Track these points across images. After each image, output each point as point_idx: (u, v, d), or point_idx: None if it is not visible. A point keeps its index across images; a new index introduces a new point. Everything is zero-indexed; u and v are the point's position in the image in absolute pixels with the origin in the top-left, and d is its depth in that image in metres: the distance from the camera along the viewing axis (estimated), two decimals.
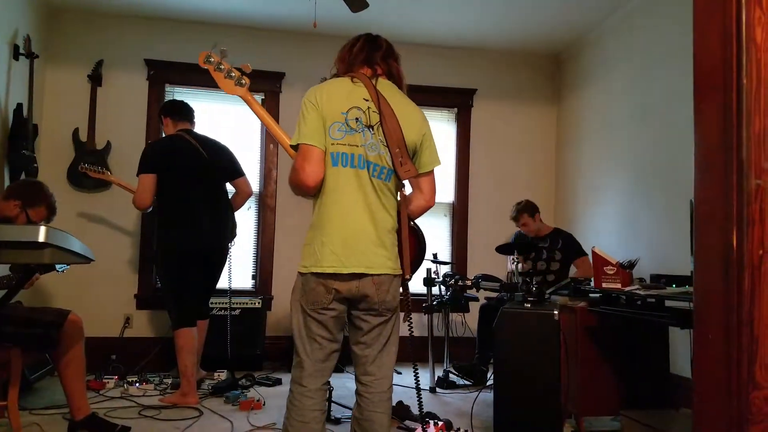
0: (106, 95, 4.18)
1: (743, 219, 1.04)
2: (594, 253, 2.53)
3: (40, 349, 2.75)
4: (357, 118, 1.70)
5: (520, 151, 4.77)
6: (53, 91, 4.11)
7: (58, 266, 2.21)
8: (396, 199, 1.77)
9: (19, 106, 3.58)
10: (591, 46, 4.37)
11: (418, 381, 1.84)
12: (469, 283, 3.36)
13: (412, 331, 1.78)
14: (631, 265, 2.47)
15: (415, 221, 1.91)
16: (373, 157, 1.70)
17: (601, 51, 4.25)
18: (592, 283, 2.64)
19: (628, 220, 3.78)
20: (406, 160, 1.73)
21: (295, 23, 4.22)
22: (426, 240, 1.96)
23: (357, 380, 1.78)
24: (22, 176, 3.56)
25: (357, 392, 1.78)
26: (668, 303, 2.25)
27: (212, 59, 1.94)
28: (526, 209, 3.88)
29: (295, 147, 1.72)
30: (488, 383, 3.10)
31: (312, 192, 1.72)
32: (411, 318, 1.80)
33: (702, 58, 1.18)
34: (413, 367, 1.87)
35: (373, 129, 1.71)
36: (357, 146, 1.70)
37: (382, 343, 1.76)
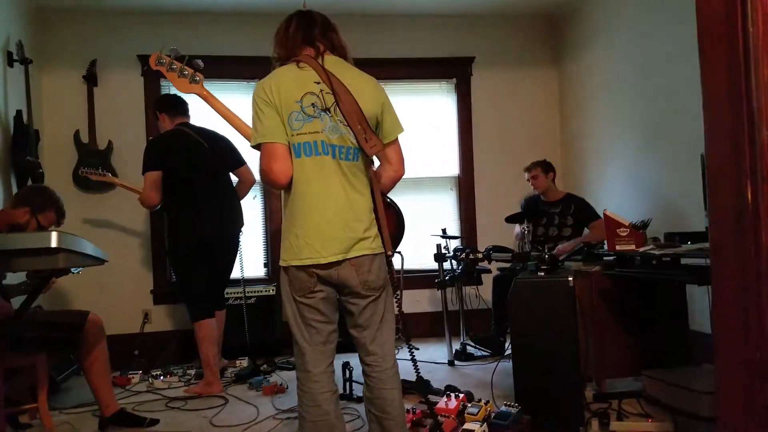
0: (103, 95, 4.17)
1: (757, 172, 1.02)
2: (606, 216, 2.52)
3: (63, 352, 2.82)
4: (312, 104, 1.67)
5: (523, 118, 4.71)
6: (50, 95, 4.10)
7: (73, 269, 2.24)
8: (367, 177, 1.74)
9: (19, 112, 3.58)
10: (588, 4, 4.27)
11: (413, 354, 1.80)
12: (480, 255, 3.36)
13: (400, 308, 1.76)
14: (644, 225, 2.45)
15: (392, 199, 1.89)
16: (336, 139, 1.67)
17: (599, 8, 4.15)
18: (605, 247, 2.63)
19: (638, 180, 3.74)
20: (371, 135, 1.69)
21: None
22: (402, 212, 1.96)
23: (362, 361, 1.79)
24: (29, 182, 3.57)
25: (364, 373, 1.80)
26: (684, 261, 2.24)
27: (163, 60, 1.95)
28: (541, 164, 3.83)
29: (257, 147, 1.69)
30: (506, 353, 3.12)
31: (285, 188, 1.71)
32: (398, 295, 1.78)
33: (705, 7, 1.15)
34: (409, 347, 1.83)
35: (330, 111, 1.67)
36: (318, 132, 1.66)
37: (377, 322, 1.76)
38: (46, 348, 2.49)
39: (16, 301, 2.57)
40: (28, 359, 2.43)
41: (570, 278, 2.27)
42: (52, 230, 1.57)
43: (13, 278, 2.95)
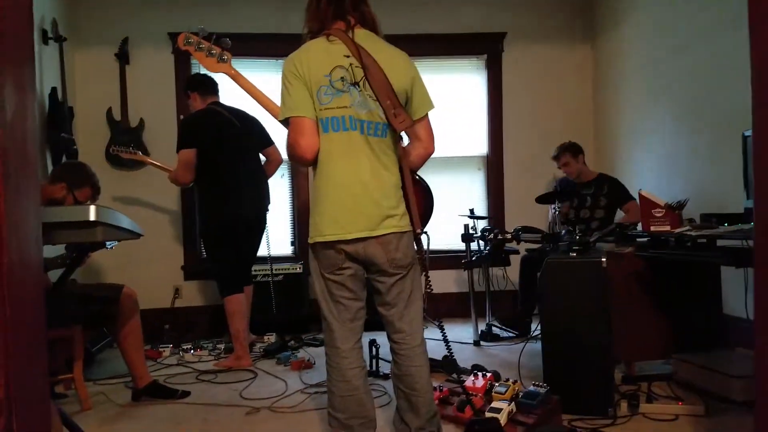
0: (134, 73, 4.23)
1: None
2: (641, 196, 2.46)
3: (99, 324, 2.91)
4: (342, 78, 1.65)
5: (555, 96, 4.61)
6: (84, 73, 4.17)
7: (108, 243, 2.30)
8: (396, 154, 1.73)
9: (54, 90, 3.66)
10: None
11: (444, 331, 1.83)
12: (508, 236, 3.33)
13: (431, 288, 1.76)
14: (680, 206, 2.39)
15: (421, 176, 1.87)
16: (364, 115, 1.66)
17: None
18: (639, 228, 2.58)
19: (673, 160, 3.64)
20: (400, 111, 1.67)
21: None
22: (432, 190, 1.94)
23: (389, 338, 1.81)
24: (64, 159, 3.66)
25: (392, 350, 1.81)
26: (720, 242, 2.19)
27: (191, 40, 1.96)
28: (568, 149, 3.77)
29: (285, 122, 1.68)
30: (533, 335, 3.11)
31: (312, 163, 1.70)
32: (429, 276, 1.78)
33: None
34: (439, 325, 1.86)
35: (359, 85, 1.65)
36: (346, 107, 1.65)
37: (405, 300, 1.76)
38: (82, 320, 2.57)
39: (52, 275, 2.65)
40: (65, 331, 2.52)
41: (603, 259, 2.23)
42: (90, 204, 1.61)
43: (48, 252, 3.05)
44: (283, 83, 1.68)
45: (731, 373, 2.30)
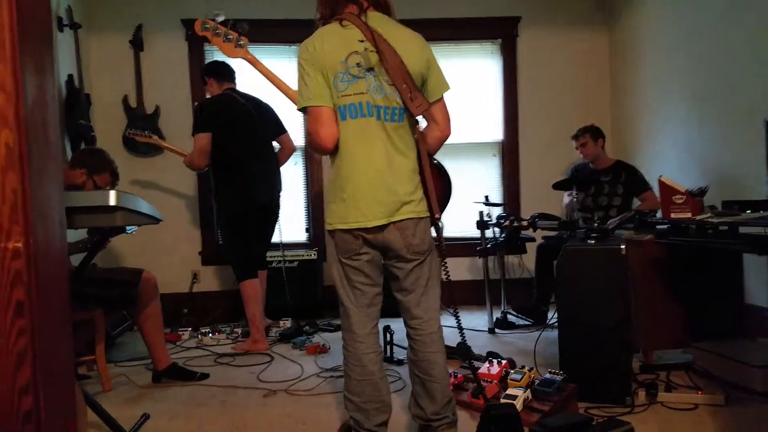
0: (149, 59, 4.24)
1: None
2: (661, 183, 2.42)
3: (119, 308, 2.95)
4: (357, 64, 1.63)
5: (571, 81, 4.53)
6: (99, 60, 4.19)
7: (128, 227, 2.32)
8: (413, 138, 1.72)
9: (70, 77, 3.68)
10: None
11: (459, 321, 1.83)
12: (525, 223, 3.30)
13: (448, 275, 1.76)
14: (702, 192, 2.35)
15: (440, 162, 1.85)
16: (380, 100, 1.64)
17: None
18: (659, 215, 2.54)
19: (692, 146, 3.57)
20: (416, 95, 1.65)
21: None
22: (451, 176, 1.93)
23: (406, 324, 1.81)
24: (82, 145, 3.70)
25: (408, 336, 1.81)
26: (743, 229, 2.14)
27: (208, 25, 1.96)
28: (589, 130, 3.71)
29: (303, 110, 1.67)
30: (549, 323, 3.09)
31: (332, 152, 1.70)
32: (446, 262, 1.77)
33: None
34: (452, 311, 1.86)
35: (374, 71, 1.64)
36: (363, 93, 1.63)
37: (422, 286, 1.76)
38: (103, 304, 2.62)
39: (73, 260, 2.69)
40: (87, 314, 2.57)
41: (622, 246, 2.21)
42: (110, 189, 1.63)
43: (69, 237, 3.09)
44: (299, 71, 1.67)
45: (752, 363, 2.27)
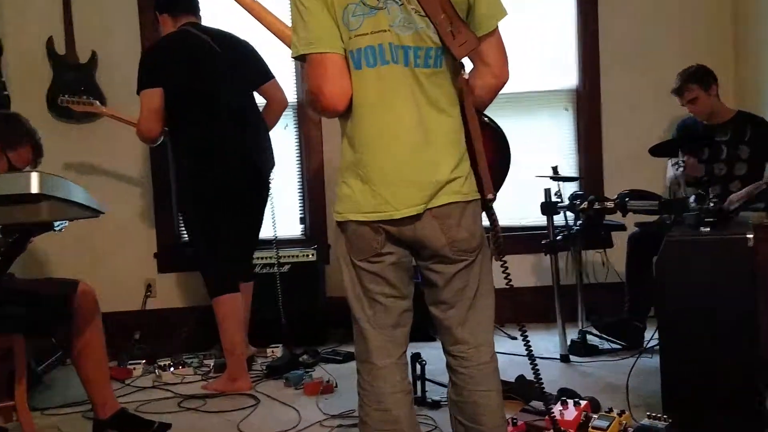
0: None
1: None
2: None
3: (46, 333, 2.99)
4: None
5: (676, 4, 4.45)
6: None
7: (56, 223, 2.35)
8: (456, 89, 1.71)
9: None
10: None
11: (529, 347, 1.84)
12: (610, 204, 3.28)
13: (510, 280, 1.76)
14: None
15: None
16: (409, 38, 1.63)
17: None
18: None
19: None
20: (460, 28, 1.63)
21: None
22: (508, 137, 1.91)
23: (446, 352, 1.82)
24: None
25: (449, 367, 1.82)
26: None
27: None
28: (695, 77, 3.65)
29: (300, 58, 1.67)
30: (647, 346, 3.07)
31: (342, 114, 1.70)
32: (506, 261, 1.77)
33: None
34: (520, 329, 1.87)
35: None
36: (384, 30, 1.63)
37: (469, 298, 1.76)
38: (24, 328, 2.64)
39: None
40: (3, 341, 2.61)
41: (749, 235, 2.20)
42: (31, 171, 1.64)
43: None
44: (295, 5, 1.66)
45: None
